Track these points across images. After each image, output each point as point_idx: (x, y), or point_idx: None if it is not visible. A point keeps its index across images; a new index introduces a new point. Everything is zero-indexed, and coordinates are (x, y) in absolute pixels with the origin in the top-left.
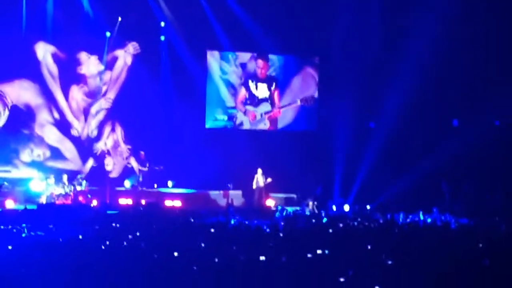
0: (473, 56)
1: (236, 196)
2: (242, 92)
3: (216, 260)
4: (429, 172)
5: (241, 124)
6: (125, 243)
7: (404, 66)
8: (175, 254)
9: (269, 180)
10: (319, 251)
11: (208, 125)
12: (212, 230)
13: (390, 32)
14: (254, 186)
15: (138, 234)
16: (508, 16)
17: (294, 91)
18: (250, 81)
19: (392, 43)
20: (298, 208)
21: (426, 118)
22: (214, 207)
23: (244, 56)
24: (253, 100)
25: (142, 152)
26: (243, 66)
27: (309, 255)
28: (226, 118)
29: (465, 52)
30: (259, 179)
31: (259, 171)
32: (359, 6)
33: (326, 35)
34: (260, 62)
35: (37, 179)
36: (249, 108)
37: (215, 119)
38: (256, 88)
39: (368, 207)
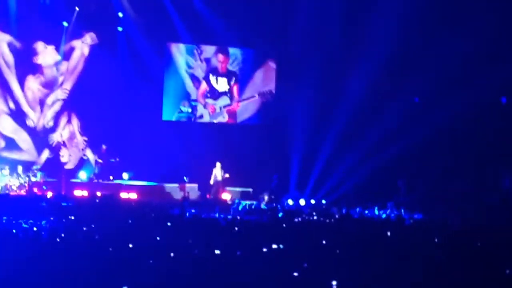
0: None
1: (192, 189)
2: (203, 86)
3: (172, 254)
4: (384, 166)
5: (201, 116)
6: (80, 236)
7: (362, 57)
8: (130, 246)
9: (226, 175)
10: (274, 246)
11: (173, 117)
12: (169, 224)
13: (349, 24)
14: (212, 180)
15: (93, 226)
16: None
17: (255, 85)
18: (211, 75)
19: (351, 35)
20: (254, 202)
21: (381, 111)
22: (169, 200)
23: (209, 51)
24: (213, 94)
25: (104, 146)
26: (207, 60)
27: (264, 249)
28: (190, 110)
29: (423, 39)
30: (217, 173)
31: (218, 165)
32: None
33: (285, 29)
34: (220, 56)
35: None
36: (209, 101)
37: (180, 111)
38: (217, 81)
39: (323, 201)
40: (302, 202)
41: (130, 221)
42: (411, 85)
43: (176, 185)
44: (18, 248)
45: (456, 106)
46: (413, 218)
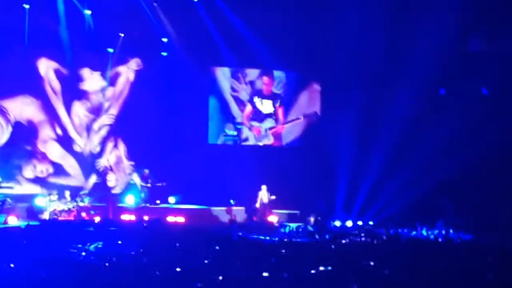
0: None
1: (239, 212)
2: (248, 108)
3: (220, 277)
4: (431, 186)
5: (247, 139)
6: (128, 260)
7: (407, 77)
8: (178, 269)
9: (273, 197)
10: (321, 268)
11: (218, 140)
12: (217, 247)
13: (393, 44)
14: (258, 203)
15: (141, 250)
16: None
17: (300, 107)
18: (255, 97)
19: (395, 56)
20: (301, 224)
21: (427, 132)
22: (216, 223)
23: (253, 73)
24: (258, 116)
25: (146, 170)
26: (252, 83)
27: (312, 271)
28: (236, 133)
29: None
30: (263, 196)
31: (263, 187)
32: (361, 20)
33: (329, 50)
34: (265, 78)
35: (42, 195)
36: (254, 123)
37: (226, 134)
38: (262, 104)
39: (371, 222)
40: (349, 223)
41: (177, 245)
42: (458, 105)
43: (223, 208)
44: (67, 273)
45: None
46: (461, 238)
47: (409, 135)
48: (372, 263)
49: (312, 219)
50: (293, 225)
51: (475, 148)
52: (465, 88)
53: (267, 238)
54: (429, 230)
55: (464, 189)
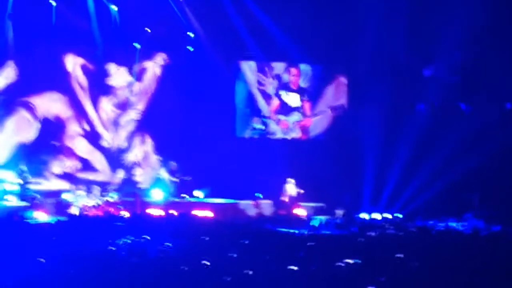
0: None
1: (266, 205)
2: (275, 102)
3: (249, 271)
4: (459, 178)
5: (274, 133)
6: (156, 254)
7: (434, 68)
8: (207, 263)
9: (301, 191)
10: (350, 260)
11: (245, 134)
12: (247, 242)
13: (419, 36)
14: (286, 197)
15: (169, 244)
16: None
17: (327, 100)
18: (282, 91)
19: (421, 48)
20: (328, 216)
21: (455, 124)
22: (244, 217)
23: (279, 67)
24: (285, 110)
25: (174, 163)
26: (278, 77)
27: (340, 264)
28: (263, 127)
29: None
30: (291, 189)
31: (291, 181)
32: (386, 13)
33: (355, 43)
34: (292, 70)
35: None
36: (281, 117)
37: (253, 128)
38: (288, 97)
39: (398, 215)
40: (376, 216)
41: (206, 239)
42: (484, 96)
43: (250, 201)
44: (96, 268)
45: None
46: (490, 229)
47: (436, 127)
48: (400, 256)
49: (339, 212)
50: (321, 218)
51: (502, 138)
52: (494, 74)
53: (295, 231)
54: (457, 222)
55: (491, 180)
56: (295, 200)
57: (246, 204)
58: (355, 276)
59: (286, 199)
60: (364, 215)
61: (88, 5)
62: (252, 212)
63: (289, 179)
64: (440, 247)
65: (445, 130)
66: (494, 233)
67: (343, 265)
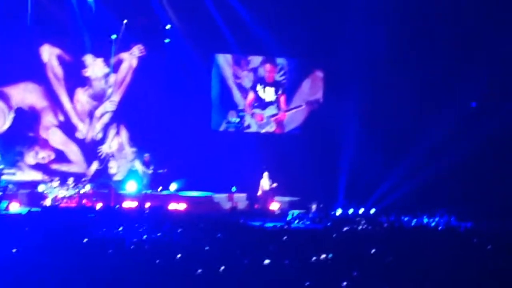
0: None
1: (240, 199)
2: (251, 95)
3: (221, 265)
4: (434, 174)
5: (249, 126)
6: (129, 246)
7: (410, 64)
8: (178, 256)
9: (274, 185)
10: (323, 255)
11: (220, 128)
12: (218, 235)
13: (397, 31)
14: (260, 191)
15: (143, 237)
16: None
17: (303, 94)
18: (258, 85)
19: (399, 43)
20: (302, 211)
21: (430, 119)
22: (218, 210)
23: (256, 61)
24: (261, 103)
25: (147, 155)
26: (255, 70)
27: (313, 259)
28: (238, 120)
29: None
30: (265, 183)
31: (265, 174)
32: (365, 7)
33: (332, 38)
34: (267, 66)
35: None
36: (257, 111)
37: (228, 121)
38: (264, 91)
39: (372, 210)
40: (350, 211)
41: (179, 231)
42: (462, 92)
43: (224, 195)
44: (68, 259)
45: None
46: (463, 226)
47: (411, 123)
48: (373, 251)
49: (313, 206)
50: (296, 212)
51: (476, 135)
52: (473, 70)
53: (269, 225)
54: (430, 217)
55: (464, 177)
56: (270, 194)
57: (220, 198)
58: (328, 270)
59: (261, 193)
60: (338, 210)
61: None
62: (226, 205)
63: (264, 173)
64: (413, 242)
65: (421, 125)
66: (466, 229)
67: (316, 259)
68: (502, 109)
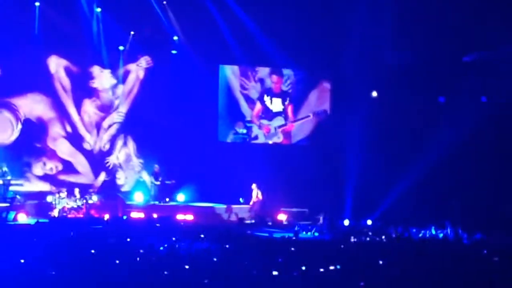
0: None
1: (246, 210)
2: (258, 106)
3: (228, 274)
4: (440, 185)
5: (256, 137)
6: (137, 257)
7: (417, 74)
8: (186, 267)
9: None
10: (331, 266)
11: (227, 139)
12: (227, 246)
13: (403, 43)
14: (252, 202)
15: (149, 248)
16: None
17: (310, 105)
18: (265, 96)
19: (406, 54)
20: (310, 222)
21: (439, 132)
22: (225, 220)
23: (263, 72)
24: (268, 114)
25: (157, 166)
26: (262, 81)
27: (321, 270)
28: (245, 131)
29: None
30: (254, 193)
31: (254, 185)
32: (371, 19)
33: (338, 49)
34: (274, 77)
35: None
36: (264, 122)
37: (235, 132)
38: (271, 102)
39: (379, 221)
40: (358, 222)
41: (187, 243)
42: (471, 103)
43: (232, 206)
44: (75, 270)
45: None
46: (470, 237)
47: (419, 134)
48: (380, 262)
49: (321, 218)
50: (303, 223)
51: (486, 148)
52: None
53: (277, 236)
54: (438, 229)
55: (472, 188)
56: (259, 205)
57: (227, 208)
58: (336, 281)
59: (253, 204)
60: (346, 221)
61: (73, 7)
62: (233, 216)
63: (253, 184)
64: (420, 254)
65: (429, 137)
66: (474, 241)
67: (324, 270)
68: None
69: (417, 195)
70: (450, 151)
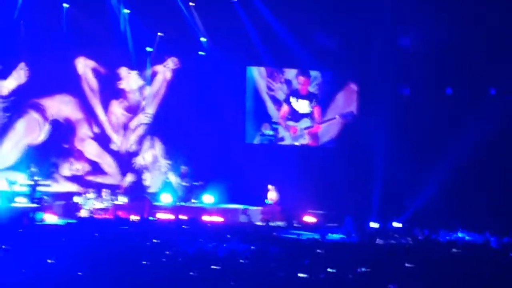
0: None
1: (276, 212)
2: (284, 108)
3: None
4: (472, 188)
5: (283, 139)
6: (163, 259)
7: (444, 76)
8: (213, 267)
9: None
10: (358, 269)
11: (254, 140)
12: (252, 247)
13: (432, 44)
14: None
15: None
16: None
17: (337, 107)
18: (291, 97)
19: (434, 57)
20: (337, 224)
21: (470, 131)
22: (252, 222)
23: (290, 73)
24: (295, 116)
25: (184, 167)
26: (288, 82)
27: (350, 272)
28: (272, 133)
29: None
30: (272, 196)
31: (270, 187)
32: (398, 20)
33: (366, 50)
34: (301, 78)
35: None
36: (290, 123)
37: (262, 134)
38: (298, 103)
39: (407, 223)
40: (386, 224)
41: (213, 244)
42: (501, 104)
43: (258, 208)
44: (104, 270)
45: None
46: (498, 241)
47: (448, 135)
48: (408, 264)
49: (348, 220)
50: (330, 225)
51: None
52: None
53: (304, 238)
54: (466, 232)
55: (502, 190)
56: (305, 208)
57: (254, 210)
58: (364, 284)
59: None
60: (373, 223)
61: (101, 9)
62: (259, 218)
63: (269, 186)
64: (448, 257)
65: (458, 138)
66: (504, 244)
67: (352, 273)
68: None
69: (445, 198)
70: (481, 151)
